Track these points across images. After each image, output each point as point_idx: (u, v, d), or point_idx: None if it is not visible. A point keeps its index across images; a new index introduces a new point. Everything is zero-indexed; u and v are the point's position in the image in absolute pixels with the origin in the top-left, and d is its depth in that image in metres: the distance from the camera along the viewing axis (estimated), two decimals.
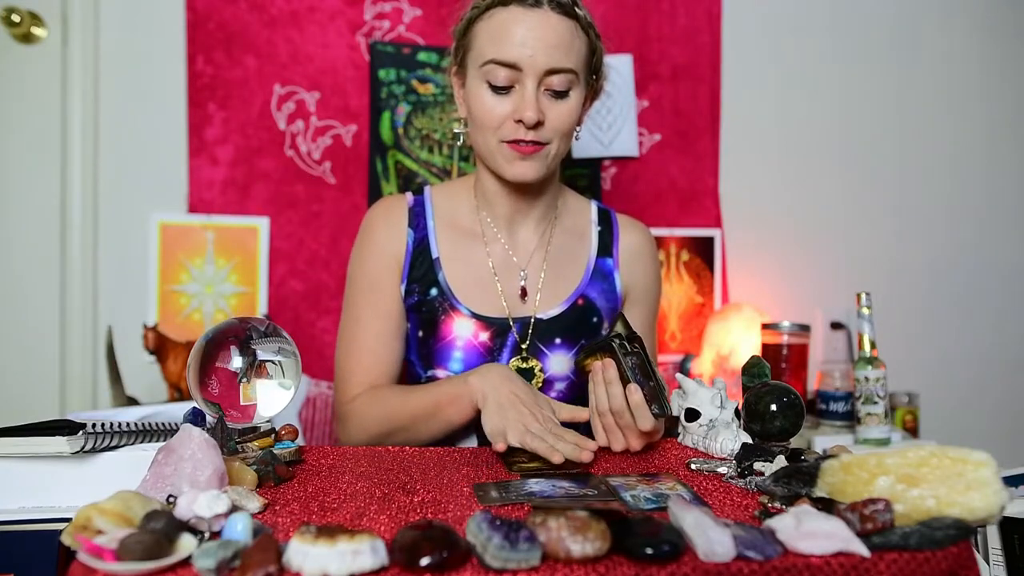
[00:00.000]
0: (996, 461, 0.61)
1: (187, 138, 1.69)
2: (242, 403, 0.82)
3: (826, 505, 0.65)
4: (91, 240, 1.68)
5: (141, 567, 0.53)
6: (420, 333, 1.16)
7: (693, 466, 0.85)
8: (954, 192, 1.94)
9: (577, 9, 1.08)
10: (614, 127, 1.80)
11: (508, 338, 1.15)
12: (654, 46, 1.83)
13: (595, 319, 1.19)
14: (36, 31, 1.64)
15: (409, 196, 1.21)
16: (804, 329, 1.65)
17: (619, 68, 1.79)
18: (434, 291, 1.15)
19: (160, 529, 0.56)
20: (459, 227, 1.20)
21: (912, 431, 1.73)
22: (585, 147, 1.79)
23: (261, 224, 1.72)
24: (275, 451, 0.82)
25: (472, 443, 1.12)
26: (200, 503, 0.60)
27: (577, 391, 1.17)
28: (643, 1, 1.82)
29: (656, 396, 0.92)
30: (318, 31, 1.73)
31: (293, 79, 1.72)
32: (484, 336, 1.14)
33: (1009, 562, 0.84)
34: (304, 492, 0.75)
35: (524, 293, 1.18)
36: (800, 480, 0.68)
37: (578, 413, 1.00)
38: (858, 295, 1.33)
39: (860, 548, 0.57)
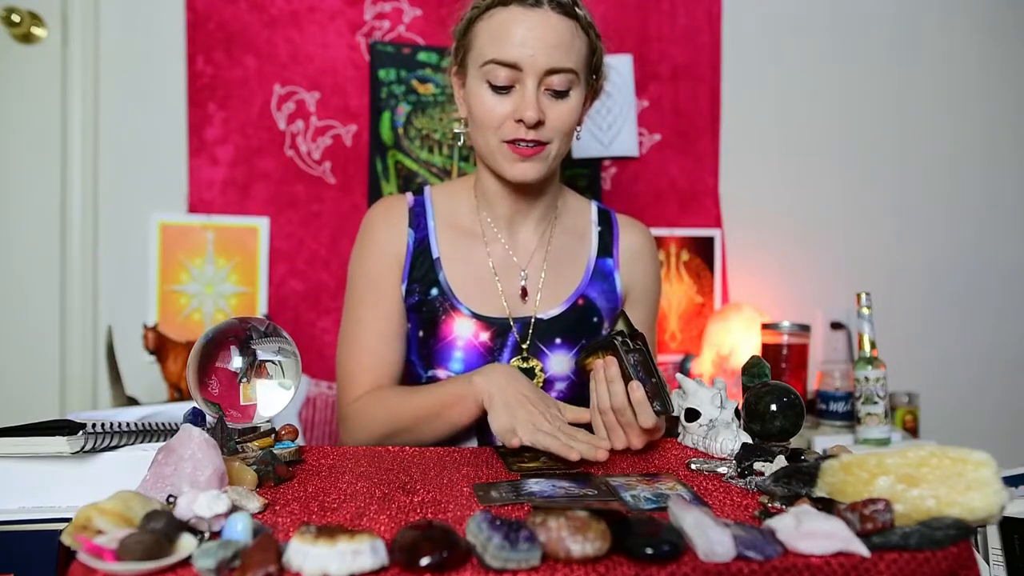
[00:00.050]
0: (996, 461, 0.61)
1: (187, 138, 1.70)
2: (242, 403, 0.82)
3: (826, 505, 0.65)
4: (91, 240, 1.68)
5: (141, 567, 0.53)
6: (420, 333, 1.16)
7: (693, 466, 0.85)
8: (954, 192, 1.94)
9: (577, 9, 1.08)
10: (614, 127, 1.80)
11: (508, 338, 1.15)
12: (654, 46, 1.83)
13: (595, 319, 1.19)
14: (36, 31, 1.64)
15: (409, 196, 1.21)
16: (804, 329, 1.65)
17: (619, 68, 1.79)
18: (435, 291, 1.15)
19: (160, 529, 0.56)
20: (459, 227, 1.20)
21: (912, 431, 1.73)
22: (585, 147, 1.79)
23: (261, 224, 1.72)
24: (275, 451, 0.82)
25: (473, 444, 1.12)
26: (200, 503, 0.60)
27: (577, 391, 1.17)
28: (643, 1, 1.82)
29: (658, 393, 0.92)
30: (318, 31, 1.73)
31: (293, 79, 1.72)
32: (484, 336, 1.14)
33: (1009, 562, 0.84)
34: (304, 492, 0.75)
35: (524, 293, 1.18)
36: (800, 480, 0.68)
37: (583, 414, 0.99)
38: (858, 295, 1.33)
39: (860, 548, 0.57)
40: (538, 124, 1.06)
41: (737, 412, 0.93)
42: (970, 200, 1.95)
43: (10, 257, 1.66)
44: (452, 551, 0.54)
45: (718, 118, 1.86)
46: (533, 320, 1.16)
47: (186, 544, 0.56)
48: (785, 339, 1.64)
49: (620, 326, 0.98)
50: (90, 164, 1.67)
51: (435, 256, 1.17)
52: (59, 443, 0.73)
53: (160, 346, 1.55)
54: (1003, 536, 0.85)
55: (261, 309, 1.72)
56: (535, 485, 0.76)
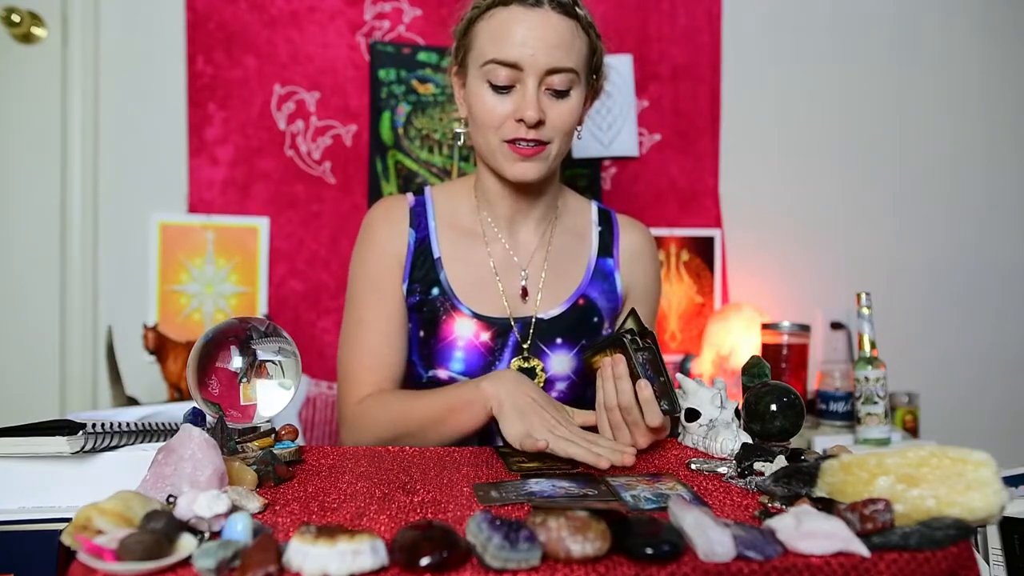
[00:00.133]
0: (996, 461, 0.61)
1: (187, 138, 1.70)
2: (242, 403, 0.82)
3: (826, 505, 0.65)
4: (91, 240, 1.68)
5: (141, 567, 0.53)
6: (421, 333, 1.16)
7: (693, 466, 0.85)
8: (954, 192, 1.94)
9: (577, 9, 1.08)
10: (614, 127, 1.80)
11: (509, 338, 1.15)
12: (654, 46, 1.83)
13: (596, 319, 1.19)
14: (36, 31, 1.64)
15: (410, 196, 1.21)
16: (804, 329, 1.65)
17: (619, 68, 1.79)
18: (435, 291, 1.15)
19: (160, 529, 0.56)
20: (460, 227, 1.20)
21: (912, 431, 1.73)
22: (585, 147, 1.79)
23: (261, 224, 1.72)
24: (275, 451, 0.82)
25: (472, 444, 1.12)
26: (200, 503, 0.60)
27: (578, 391, 1.17)
28: (643, 1, 1.82)
29: (666, 393, 0.91)
30: (318, 31, 1.73)
31: (293, 79, 1.72)
32: (485, 336, 1.14)
33: (1009, 562, 0.84)
34: (304, 492, 0.75)
35: (525, 293, 1.18)
36: (800, 480, 0.68)
37: (591, 418, 0.99)
38: (858, 295, 1.33)
39: (860, 548, 0.57)
40: (539, 124, 1.06)
41: (737, 412, 0.93)
42: (970, 200, 1.95)
43: (10, 257, 1.66)
44: (452, 551, 0.54)
45: (718, 118, 1.86)
46: (534, 320, 1.16)
47: (186, 544, 0.56)
48: (785, 339, 1.64)
49: (629, 324, 0.98)
50: (90, 164, 1.67)
51: (436, 256, 1.17)
52: (59, 443, 0.73)
53: (160, 346, 1.55)
54: (1003, 536, 0.85)
55: (261, 309, 1.72)
56: (535, 485, 0.76)
